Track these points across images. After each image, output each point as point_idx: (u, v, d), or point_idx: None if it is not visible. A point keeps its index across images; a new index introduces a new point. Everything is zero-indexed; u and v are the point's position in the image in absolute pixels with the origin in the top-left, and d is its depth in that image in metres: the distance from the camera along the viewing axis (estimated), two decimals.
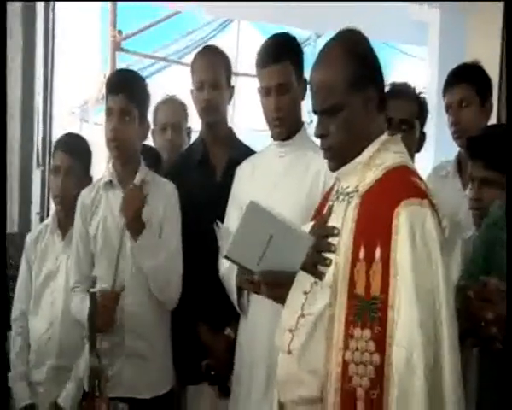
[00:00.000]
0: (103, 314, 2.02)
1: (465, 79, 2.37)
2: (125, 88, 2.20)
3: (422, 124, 2.22)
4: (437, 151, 3.62)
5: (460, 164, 2.42)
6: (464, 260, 1.93)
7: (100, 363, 1.35)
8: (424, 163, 3.11)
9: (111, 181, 2.25)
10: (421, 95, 2.25)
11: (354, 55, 1.49)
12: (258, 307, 2.01)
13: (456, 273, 1.91)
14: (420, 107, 2.22)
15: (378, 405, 1.34)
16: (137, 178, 2.21)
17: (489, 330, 1.54)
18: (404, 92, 2.18)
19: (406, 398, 1.32)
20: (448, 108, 2.41)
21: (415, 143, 2.15)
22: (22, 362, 2.38)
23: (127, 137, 2.21)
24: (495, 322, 1.53)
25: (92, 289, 1.56)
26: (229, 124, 2.57)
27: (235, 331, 2.19)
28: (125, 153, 2.23)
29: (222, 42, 5.28)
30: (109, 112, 2.20)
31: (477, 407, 1.71)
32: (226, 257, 1.63)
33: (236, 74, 6.05)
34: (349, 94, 1.47)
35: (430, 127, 3.61)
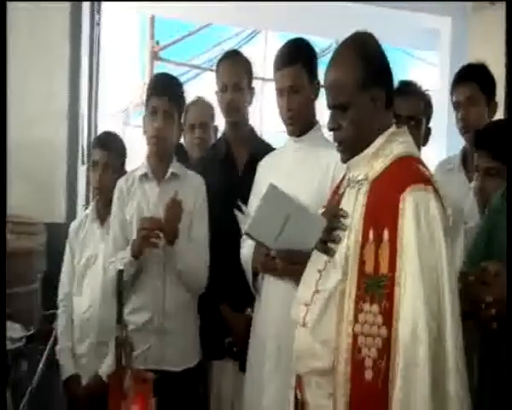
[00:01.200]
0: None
1: (471, 79, 2.35)
2: (169, 91, 2.22)
3: (428, 120, 2.20)
4: (448, 146, 3.58)
5: (465, 158, 2.40)
6: (467, 246, 1.91)
7: (126, 334, 1.37)
8: (437, 156, 3.09)
9: (146, 174, 2.26)
10: (427, 93, 2.22)
11: (363, 56, 1.49)
12: (271, 288, 2.03)
13: (460, 260, 1.89)
14: (425, 104, 2.19)
15: (385, 373, 1.34)
16: (169, 173, 2.24)
17: (488, 312, 1.52)
18: (410, 91, 2.15)
19: (411, 367, 1.31)
20: (456, 105, 2.39)
21: (421, 138, 2.13)
22: (67, 338, 2.41)
23: (168, 136, 2.22)
24: (494, 304, 1.51)
25: (119, 267, 1.59)
26: (258, 126, 2.58)
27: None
28: (164, 150, 2.24)
29: (250, 51, 5.29)
30: (153, 111, 2.20)
31: (478, 381, 1.70)
32: (246, 234, 1.65)
33: (264, 80, 6.10)
34: (358, 92, 1.48)
35: (442, 124, 3.64)
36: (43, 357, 2.28)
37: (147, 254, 2.17)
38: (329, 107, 1.54)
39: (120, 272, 1.52)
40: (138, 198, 2.25)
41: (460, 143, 2.53)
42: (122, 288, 1.48)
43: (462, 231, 2.00)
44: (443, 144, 3.72)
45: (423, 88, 2.22)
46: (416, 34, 4.37)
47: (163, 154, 2.25)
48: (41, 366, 2.20)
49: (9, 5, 2.80)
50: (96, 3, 3.50)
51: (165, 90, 2.22)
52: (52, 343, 2.42)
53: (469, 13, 3.71)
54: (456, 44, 3.83)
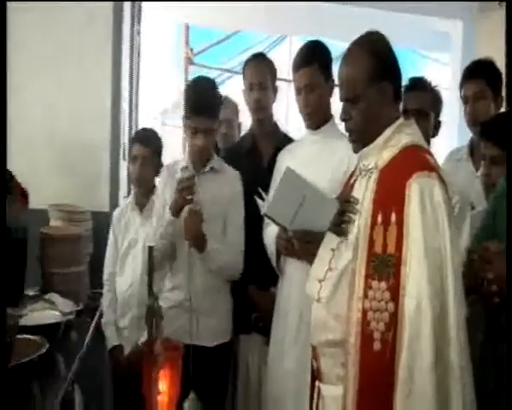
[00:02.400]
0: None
1: (479, 75, 2.30)
2: (207, 110, 2.12)
3: (438, 113, 2.15)
4: (460, 139, 3.51)
5: (472, 149, 2.36)
6: (473, 230, 1.88)
7: (157, 305, 1.39)
8: (449, 147, 3.03)
9: (187, 166, 2.23)
10: (436, 88, 2.18)
11: (372, 53, 1.48)
12: (292, 268, 2.04)
13: (467, 241, 1.87)
14: (434, 98, 2.15)
15: (392, 345, 1.34)
16: (208, 167, 2.21)
17: (490, 288, 1.52)
18: (419, 86, 2.12)
19: (416, 340, 1.32)
20: (464, 99, 2.35)
21: (430, 130, 2.09)
22: (111, 312, 2.45)
23: (208, 149, 2.18)
24: (495, 281, 1.51)
25: (150, 244, 1.59)
26: (284, 123, 2.57)
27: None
28: (204, 158, 2.21)
29: (276, 55, 5.26)
30: (194, 130, 2.12)
31: (482, 353, 1.68)
32: (265, 215, 1.65)
33: (289, 81, 6.05)
34: (367, 86, 1.48)
35: (454, 118, 3.57)
36: (90, 329, 2.27)
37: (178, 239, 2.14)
38: (341, 99, 1.54)
39: (151, 248, 1.53)
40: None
41: (469, 135, 2.49)
42: (153, 263, 1.49)
43: (468, 215, 1.96)
44: (454, 137, 3.65)
45: (432, 84, 2.17)
46: (429, 36, 4.30)
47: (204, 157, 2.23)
48: (88, 337, 2.22)
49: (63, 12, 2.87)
50: (136, 14, 3.53)
51: (202, 109, 2.10)
52: (98, 317, 2.45)
53: (477, 14, 3.63)
54: (465, 45, 3.75)
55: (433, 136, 2.15)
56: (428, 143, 2.02)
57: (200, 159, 2.21)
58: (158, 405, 1.25)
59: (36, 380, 1.73)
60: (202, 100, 2.13)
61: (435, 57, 5.15)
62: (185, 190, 2.04)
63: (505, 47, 2.00)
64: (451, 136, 3.66)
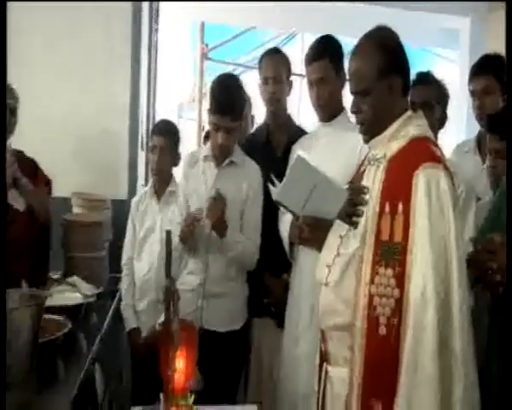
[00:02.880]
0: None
1: (488, 70, 2.27)
2: (231, 111, 2.09)
3: (444, 106, 2.14)
4: (467, 132, 3.49)
5: (480, 142, 2.34)
6: (478, 221, 1.87)
7: (174, 286, 1.40)
8: (457, 140, 3.00)
9: (207, 156, 2.22)
10: (442, 82, 2.16)
11: (381, 47, 1.47)
12: (305, 257, 2.02)
13: (472, 230, 1.86)
14: (440, 92, 2.13)
15: (397, 330, 1.35)
16: (228, 160, 2.18)
17: (494, 277, 1.51)
18: (425, 80, 2.10)
19: (420, 326, 1.32)
20: (473, 94, 2.33)
21: (436, 122, 2.07)
22: (130, 296, 2.46)
23: (230, 145, 2.16)
24: (498, 270, 1.50)
25: (167, 229, 1.60)
26: (296, 116, 2.56)
27: (290, 277, 2.19)
28: (226, 154, 2.19)
29: (289, 50, 5.23)
30: (216, 127, 2.11)
31: (487, 345, 1.67)
32: (276, 200, 1.64)
33: (302, 76, 6.01)
34: (376, 80, 1.46)
35: (462, 112, 3.55)
36: (110, 312, 2.30)
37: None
38: (352, 92, 1.53)
39: (168, 232, 1.54)
40: (199, 176, 2.23)
41: (476, 128, 2.46)
42: (170, 247, 1.50)
43: (474, 206, 1.95)
44: (462, 130, 3.63)
45: (438, 78, 2.16)
46: (438, 34, 4.26)
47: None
48: (108, 319, 2.22)
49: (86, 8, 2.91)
50: (153, 13, 3.53)
51: (227, 110, 2.09)
52: (117, 301, 2.47)
53: (486, 13, 3.59)
54: (473, 43, 3.72)
55: (440, 128, 2.14)
56: (435, 135, 2.01)
57: (220, 154, 2.20)
58: (174, 382, 1.26)
59: (60, 358, 1.76)
60: (227, 100, 2.09)
61: (444, 54, 5.10)
62: (192, 223, 2.07)
63: (505, 46, 1.97)
64: (459, 130, 3.64)
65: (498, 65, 2.29)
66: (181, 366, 1.30)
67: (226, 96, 2.10)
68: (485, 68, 2.29)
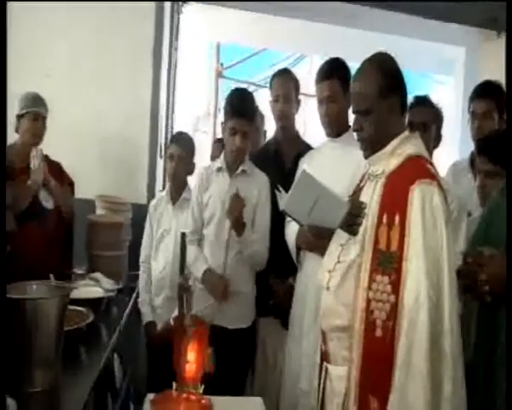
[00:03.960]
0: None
1: (491, 94, 2.27)
2: (248, 112, 2.16)
3: (439, 127, 2.14)
4: (460, 151, 3.49)
5: (473, 161, 2.33)
6: (468, 233, 1.87)
7: (187, 283, 1.41)
8: (451, 159, 3.01)
9: (221, 168, 2.24)
10: (437, 105, 2.16)
11: (381, 71, 1.48)
12: (310, 261, 2.02)
13: (464, 243, 1.86)
14: (435, 114, 2.14)
15: (392, 332, 1.36)
16: (240, 169, 2.20)
17: (482, 288, 1.51)
18: (423, 103, 2.11)
19: (413, 328, 1.33)
20: (472, 115, 2.32)
21: (431, 141, 2.07)
22: (146, 292, 2.47)
23: (245, 150, 2.20)
24: (487, 282, 1.50)
25: (182, 231, 1.61)
26: (304, 135, 2.57)
27: (295, 280, 2.17)
28: (241, 158, 2.21)
29: (298, 71, 5.24)
30: (233, 132, 2.14)
31: (475, 346, 1.66)
32: (283, 210, 1.65)
33: (310, 96, 6.00)
34: (376, 101, 1.47)
35: (456, 133, 3.56)
36: (129, 306, 2.31)
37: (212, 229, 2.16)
38: (353, 112, 1.54)
39: (183, 234, 1.56)
40: (213, 186, 2.24)
41: (470, 148, 2.45)
42: (185, 247, 1.51)
43: (465, 220, 1.96)
44: (456, 150, 3.63)
45: (434, 101, 2.16)
46: (436, 61, 4.28)
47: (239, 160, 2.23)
48: (127, 312, 2.23)
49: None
50: (174, 32, 3.57)
51: (243, 113, 2.14)
52: (135, 296, 2.48)
53: (479, 43, 3.60)
54: (468, 70, 3.75)
55: (435, 147, 2.14)
56: (431, 153, 2.01)
57: (236, 158, 2.20)
58: (186, 372, 1.27)
59: (83, 345, 1.78)
60: (243, 105, 2.17)
61: (441, 80, 5.09)
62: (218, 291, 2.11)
63: (505, 48, 1.97)
64: (453, 149, 3.64)
65: (499, 92, 2.29)
66: (192, 358, 1.31)
67: (242, 102, 2.18)
68: (488, 93, 2.29)
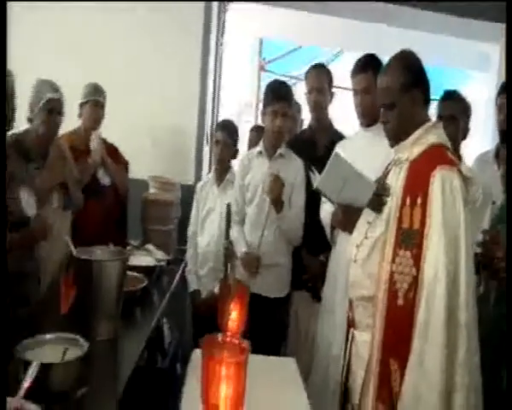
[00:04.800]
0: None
1: None
2: (286, 95, 2.24)
3: (467, 120, 2.12)
4: (494, 143, 3.41)
5: (498, 152, 2.32)
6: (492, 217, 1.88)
7: (231, 248, 1.48)
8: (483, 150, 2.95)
9: (261, 151, 2.30)
10: (466, 99, 2.15)
11: (405, 67, 1.51)
12: (342, 240, 2.03)
13: (487, 225, 1.86)
14: (464, 107, 2.12)
15: (412, 302, 1.39)
16: (278, 153, 2.26)
17: (498, 264, 1.53)
18: (452, 96, 2.10)
19: (432, 300, 1.35)
20: (500, 108, 2.27)
21: (459, 133, 2.07)
22: (193, 263, 2.55)
23: (285, 131, 2.28)
24: (503, 259, 1.52)
25: (227, 202, 1.67)
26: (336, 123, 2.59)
27: (326, 257, 2.22)
28: (282, 139, 2.29)
29: (335, 66, 5.23)
30: (276, 114, 2.20)
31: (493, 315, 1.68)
32: (316, 188, 1.69)
33: (343, 88, 5.94)
34: (400, 94, 1.50)
35: (489, 126, 3.48)
36: (177, 275, 2.41)
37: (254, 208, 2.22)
38: (380, 105, 1.57)
39: (228, 205, 1.64)
40: (254, 169, 2.31)
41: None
42: (230, 216, 1.59)
43: (490, 206, 1.95)
44: (489, 142, 3.54)
45: (463, 95, 2.14)
46: (471, 57, 4.18)
47: (277, 142, 2.29)
48: (175, 281, 2.33)
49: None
50: (220, 28, 3.57)
51: (283, 96, 2.22)
52: (183, 267, 2.56)
53: None
54: (502, 66, 3.64)
55: (463, 138, 2.13)
56: (459, 144, 2.01)
57: (277, 139, 2.25)
58: (229, 327, 1.36)
59: (137, 306, 1.90)
60: (282, 90, 2.26)
61: (475, 75, 4.95)
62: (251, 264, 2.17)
63: (505, 47, 1.94)
64: (487, 142, 3.57)
65: None
66: (234, 317, 1.39)
67: (281, 88, 2.28)
68: None
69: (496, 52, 3.73)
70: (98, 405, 1.27)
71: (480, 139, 3.47)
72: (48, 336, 1.38)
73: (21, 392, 1.07)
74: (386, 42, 3.99)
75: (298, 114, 2.95)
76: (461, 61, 4.49)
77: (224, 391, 0.90)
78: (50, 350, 1.32)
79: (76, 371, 1.27)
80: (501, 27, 3.48)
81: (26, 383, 1.10)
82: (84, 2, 2.96)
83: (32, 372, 1.12)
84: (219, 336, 1.09)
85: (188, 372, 1.46)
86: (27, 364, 1.16)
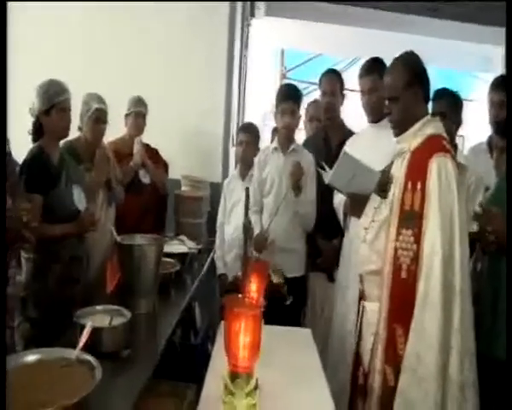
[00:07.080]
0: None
1: (503, 86, 2.26)
2: (294, 96, 2.32)
3: (457, 114, 2.15)
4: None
5: (491, 143, 2.33)
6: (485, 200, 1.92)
7: (250, 224, 1.58)
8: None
9: (276, 147, 2.39)
10: (456, 94, 2.17)
11: (407, 65, 1.59)
12: (354, 226, 2.05)
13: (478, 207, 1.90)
14: (453, 102, 2.15)
15: (414, 274, 1.47)
16: (291, 148, 2.35)
17: (489, 238, 1.58)
18: (441, 94, 2.11)
19: (430, 270, 1.44)
20: (490, 104, 2.34)
21: (452, 126, 2.08)
22: (220, 250, 2.65)
23: (293, 128, 2.37)
24: (493, 233, 1.56)
25: (247, 186, 1.76)
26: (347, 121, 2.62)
27: (339, 242, 2.28)
28: (291, 135, 2.37)
29: (351, 73, 5.25)
30: (284, 112, 2.30)
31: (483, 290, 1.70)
32: (328, 183, 1.81)
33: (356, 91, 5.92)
34: (403, 90, 1.58)
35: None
36: (207, 263, 2.50)
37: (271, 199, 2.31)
38: (385, 98, 1.65)
39: (247, 188, 1.74)
40: (271, 163, 2.40)
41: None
42: (248, 198, 1.68)
43: (482, 192, 2.00)
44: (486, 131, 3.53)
45: (452, 92, 2.16)
46: (478, 60, 4.16)
47: (289, 138, 2.39)
48: (205, 267, 2.44)
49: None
50: (244, 41, 3.64)
51: (291, 96, 2.32)
52: (212, 255, 2.65)
53: None
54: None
55: (457, 130, 2.16)
56: (454, 136, 2.04)
57: (286, 135, 2.34)
58: (250, 297, 1.41)
59: (172, 288, 2.01)
60: (289, 91, 2.37)
61: (482, 77, 4.90)
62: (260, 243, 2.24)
63: (505, 46, 1.96)
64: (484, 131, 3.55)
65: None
66: (254, 288, 1.45)
67: (289, 89, 2.40)
68: (502, 85, 2.30)
69: (499, 55, 3.72)
70: (139, 365, 1.39)
71: (487, 134, 3.44)
72: (98, 307, 1.53)
73: (79, 347, 1.20)
74: (399, 48, 4.03)
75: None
76: (469, 64, 4.47)
77: (243, 340, 1.00)
78: (100, 318, 1.47)
79: (121, 335, 1.41)
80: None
81: (82, 342, 1.23)
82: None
83: (86, 332, 1.26)
84: (239, 296, 1.19)
85: (215, 346, 1.55)
86: (82, 327, 1.30)
